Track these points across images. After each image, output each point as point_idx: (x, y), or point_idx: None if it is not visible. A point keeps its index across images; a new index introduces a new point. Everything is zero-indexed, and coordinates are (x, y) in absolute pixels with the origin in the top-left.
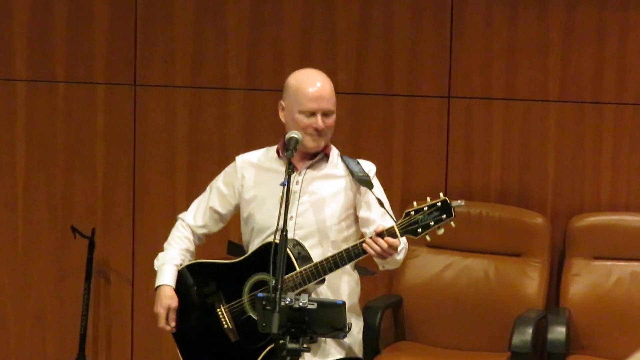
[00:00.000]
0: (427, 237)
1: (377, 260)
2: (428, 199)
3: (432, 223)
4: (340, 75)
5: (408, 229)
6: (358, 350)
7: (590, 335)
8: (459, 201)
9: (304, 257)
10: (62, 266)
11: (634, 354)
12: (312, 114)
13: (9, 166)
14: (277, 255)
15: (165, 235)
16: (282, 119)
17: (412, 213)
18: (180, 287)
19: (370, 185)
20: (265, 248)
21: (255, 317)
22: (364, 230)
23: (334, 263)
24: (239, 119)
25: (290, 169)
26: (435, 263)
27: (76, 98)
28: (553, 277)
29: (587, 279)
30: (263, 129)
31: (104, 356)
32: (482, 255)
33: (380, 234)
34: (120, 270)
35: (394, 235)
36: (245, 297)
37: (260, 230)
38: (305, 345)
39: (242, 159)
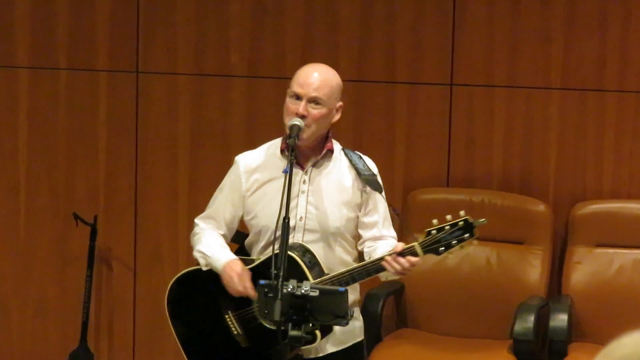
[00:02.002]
0: (450, 255)
1: (392, 275)
2: (449, 217)
3: (454, 242)
4: (342, 63)
5: (430, 248)
6: (359, 333)
7: (592, 322)
8: (481, 220)
9: (314, 265)
10: (64, 253)
11: (608, 346)
12: (299, 98)
13: (11, 153)
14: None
15: (167, 222)
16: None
17: (434, 232)
18: (187, 292)
19: (379, 189)
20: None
21: (267, 325)
22: (361, 232)
23: (351, 278)
24: (241, 107)
25: (293, 156)
26: None
27: (78, 85)
28: (555, 264)
29: (589, 266)
30: (265, 116)
31: (106, 343)
32: (484, 243)
33: (401, 254)
34: (122, 258)
35: (415, 254)
36: (257, 305)
37: (266, 230)
38: (307, 333)
39: (243, 163)
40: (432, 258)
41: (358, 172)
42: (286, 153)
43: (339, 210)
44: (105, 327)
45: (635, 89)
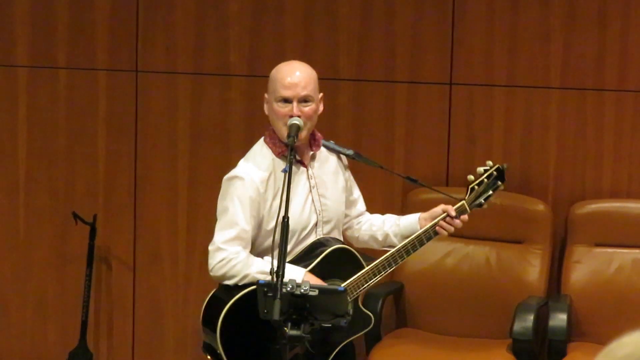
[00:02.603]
0: (485, 206)
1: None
2: (480, 169)
3: (491, 192)
4: (341, 61)
5: (475, 204)
6: None
7: (591, 322)
8: (505, 164)
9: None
10: (64, 252)
11: (610, 345)
12: (287, 101)
13: (10, 152)
14: (280, 248)
15: (166, 221)
16: (266, 111)
17: (476, 187)
18: (239, 319)
19: (355, 156)
20: (331, 255)
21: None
22: (347, 211)
23: (405, 251)
24: (240, 106)
25: (293, 155)
26: (437, 250)
27: (78, 84)
28: (554, 264)
29: (588, 266)
30: (264, 115)
31: (105, 342)
32: (484, 242)
33: (456, 216)
34: (122, 257)
35: (465, 212)
36: None
37: (293, 232)
38: (306, 332)
39: (256, 177)
40: (431, 257)
41: (341, 153)
42: (285, 155)
43: (341, 196)
44: (105, 326)
45: (634, 88)
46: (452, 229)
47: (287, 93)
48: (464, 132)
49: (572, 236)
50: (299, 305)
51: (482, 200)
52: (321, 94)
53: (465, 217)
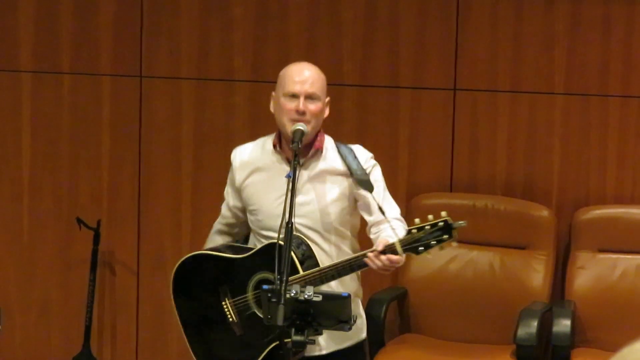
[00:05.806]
0: (428, 255)
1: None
2: (430, 217)
3: (433, 242)
4: (345, 67)
5: (409, 247)
6: (363, 330)
7: (595, 328)
8: (461, 222)
9: (309, 257)
10: (68, 257)
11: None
12: (295, 96)
13: (14, 158)
14: (281, 252)
15: (170, 227)
16: (272, 109)
17: (414, 231)
18: (188, 275)
19: (370, 188)
20: (271, 247)
21: (259, 314)
22: (364, 216)
23: (337, 272)
24: (244, 111)
25: (297, 160)
26: (441, 255)
27: (82, 90)
28: (558, 269)
29: (592, 271)
30: (268, 120)
31: (109, 347)
32: (488, 248)
33: (383, 251)
34: (126, 262)
35: (396, 252)
36: (250, 294)
37: (262, 227)
38: (310, 338)
39: (239, 159)
40: (434, 263)
41: (350, 172)
42: (278, 149)
43: (330, 206)
44: (109, 331)
45: (638, 94)
46: (379, 264)
47: (295, 88)
48: (467, 138)
49: (576, 242)
50: (302, 310)
51: (420, 247)
52: (328, 98)
53: (394, 257)
